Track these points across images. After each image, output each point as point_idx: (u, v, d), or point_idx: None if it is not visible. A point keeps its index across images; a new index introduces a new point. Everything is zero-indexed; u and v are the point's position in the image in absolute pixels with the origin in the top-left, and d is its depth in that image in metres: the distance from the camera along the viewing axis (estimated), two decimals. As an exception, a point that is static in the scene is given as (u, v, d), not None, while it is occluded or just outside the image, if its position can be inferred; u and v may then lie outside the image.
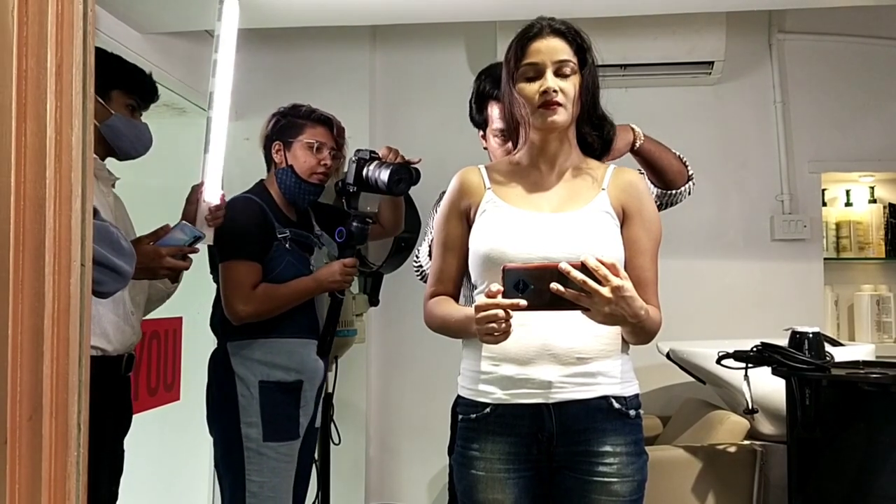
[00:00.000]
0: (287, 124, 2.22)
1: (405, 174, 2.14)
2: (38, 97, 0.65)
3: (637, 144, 1.75)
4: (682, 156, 1.85)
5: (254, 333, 2.09)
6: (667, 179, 1.81)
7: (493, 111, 1.88)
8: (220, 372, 2.11)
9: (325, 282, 2.14)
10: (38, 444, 0.63)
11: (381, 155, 2.19)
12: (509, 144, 1.86)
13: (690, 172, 1.84)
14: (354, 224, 2.19)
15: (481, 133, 1.97)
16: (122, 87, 1.90)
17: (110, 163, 1.95)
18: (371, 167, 2.17)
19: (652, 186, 1.84)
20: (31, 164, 0.64)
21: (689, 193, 1.86)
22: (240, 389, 2.07)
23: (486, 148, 1.97)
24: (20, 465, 0.62)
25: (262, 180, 2.25)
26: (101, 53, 1.92)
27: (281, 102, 2.30)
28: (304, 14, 2.52)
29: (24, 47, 0.64)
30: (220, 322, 2.14)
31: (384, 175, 2.13)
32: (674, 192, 1.83)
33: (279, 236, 2.12)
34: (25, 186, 0.63)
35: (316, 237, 2.27)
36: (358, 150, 2.22)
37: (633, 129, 1.75)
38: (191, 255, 1.88)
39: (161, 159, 2.03)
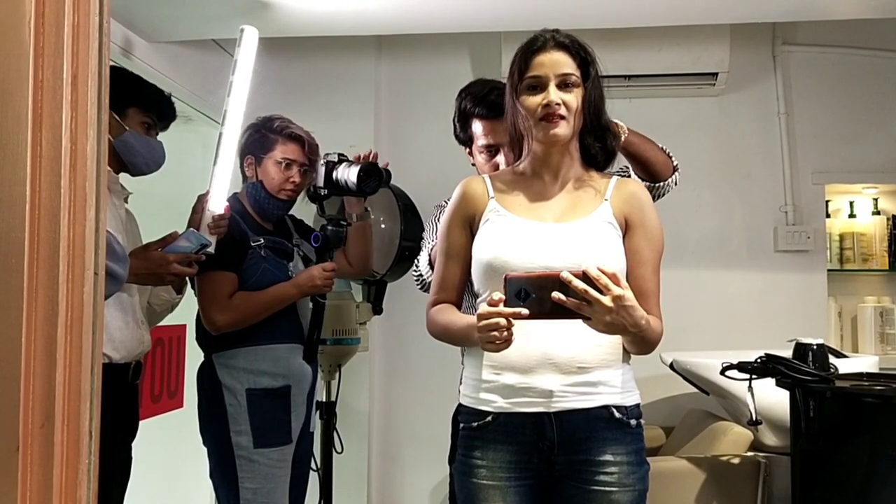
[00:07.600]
0: (259, 138, 2.20)
1: (374, 172, 2.14)
2: (54, 107, 0.66)
3: (622, 139, 1.75)
4: (665, 147, 1.84)
5: (237, 343, 2.09)
6: (653, 171, 1.80)
7: (477, 128, 1.89)
8: (208, 384, 2.11)
9: (304, 286, 2.14)
10: (50, 452, 0.63)
11: (351, 158, 2.19)
12: (496, 159, 1.87)
13: (675, 163, 1.84)
14: (330, 228, 2.20)
15: (467, 150, 1.97)
16: (138, 104, 1.94)
17: (123, 177, 1.98)
18: (340, 168, 2.17)
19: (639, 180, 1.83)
20: (46, 174, 0.64)
21: (676, 184, 1.86)
22: (227, 399, 2.07)
23: (473, 164, 1.97)
24: (32, 472, 0.62)
25: (235, 193, 2.24)
26: (119, 72, 1.95)
27: (286, 111, 2.30)
28: (310, 24, 2.53)
29: (41, 58, 0.65)
30: (203, 335, 2.15)
31: (352, 175, 2.13)
32: (661, 184, 1.83)
33: (253, 245, 2.12)
34: (40, 195, 0.64)
35: (295, 244, 2.27)
36: (327, 154, 2.22)
37: (617, 123, 1.75)
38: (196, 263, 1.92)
39: (166, 166, 2.04)
